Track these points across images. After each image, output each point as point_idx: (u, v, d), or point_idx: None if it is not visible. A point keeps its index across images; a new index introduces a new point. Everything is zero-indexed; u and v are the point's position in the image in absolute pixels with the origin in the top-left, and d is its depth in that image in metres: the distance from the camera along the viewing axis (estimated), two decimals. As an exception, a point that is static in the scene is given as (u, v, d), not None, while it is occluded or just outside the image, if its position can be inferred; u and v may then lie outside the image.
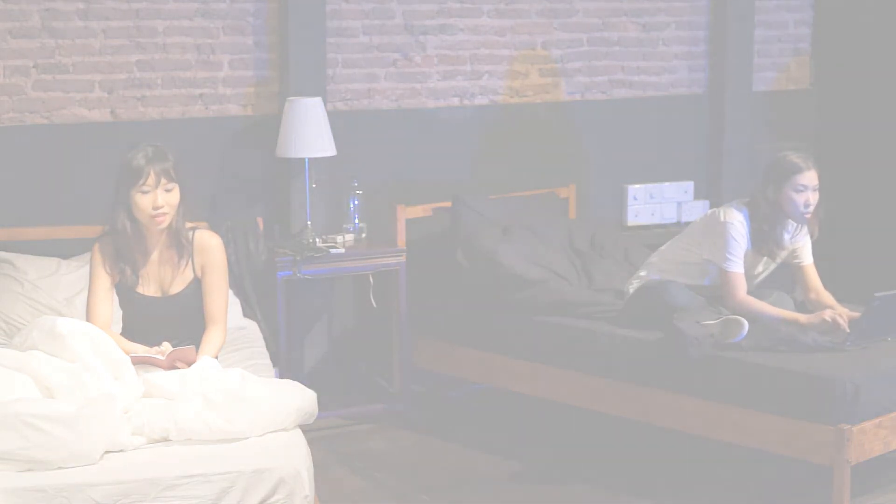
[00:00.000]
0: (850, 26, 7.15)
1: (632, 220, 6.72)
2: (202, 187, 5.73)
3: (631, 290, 5.36)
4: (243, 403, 3.94)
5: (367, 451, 5.47)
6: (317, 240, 5.75)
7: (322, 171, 5.90)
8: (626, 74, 6.83)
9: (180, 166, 4.38)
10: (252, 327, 5.31)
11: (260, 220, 5.77)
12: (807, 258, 5.30)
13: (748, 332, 4.81)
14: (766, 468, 5.13)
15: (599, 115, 6.76)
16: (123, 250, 4.38)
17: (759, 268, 5.28)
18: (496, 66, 6.49)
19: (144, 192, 4.30)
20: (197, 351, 4.33)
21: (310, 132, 5.69)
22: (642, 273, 5.41)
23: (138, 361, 4.18)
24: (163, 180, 4.30)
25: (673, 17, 6.92)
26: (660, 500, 4.90)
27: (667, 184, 6.80)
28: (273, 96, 5.97)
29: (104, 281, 4.40)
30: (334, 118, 5.91)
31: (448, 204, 6.10)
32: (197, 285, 4.44)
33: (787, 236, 5.22)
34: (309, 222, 5.80)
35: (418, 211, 6.08)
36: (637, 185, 6.73)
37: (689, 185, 6.86)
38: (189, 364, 4.22)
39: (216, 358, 4.37)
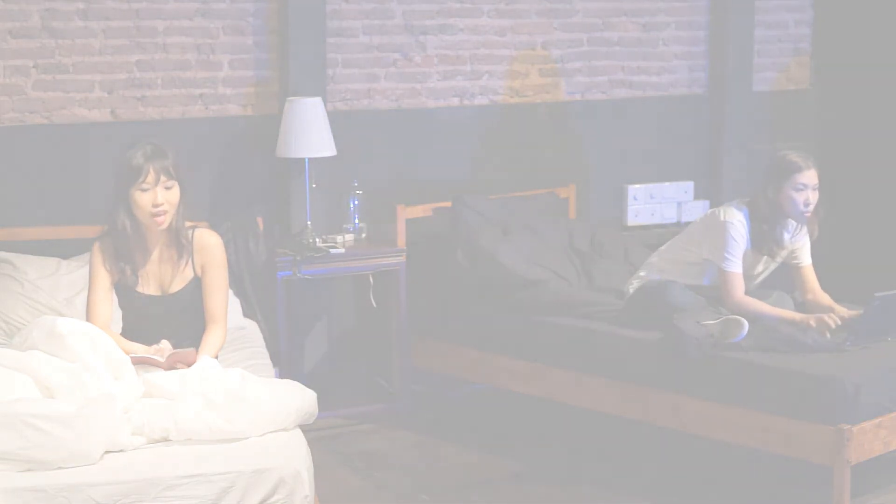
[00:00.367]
0: (850, 26, 7.15)
1: (632, 220, 6.72)
2: (202, 187, 5.74)
3: (631, 290, 5.36)
4: (243, 403, 3.94)
5: (367, 451, 5.47)
6: (317, 240, 5.75)
7: (322, 171, 5.90)
8: (626, 74, 6.84)
9: (179, 164, 4.37)
10: (252, 327, 5.31)
11: (260, 220, 5.77)
12: (805, 259, 5.31)
13: (748, 332, 4.81)
14: (766, 468, 5.13)
15: (599, 115, 6.76)
16: (123, 250, 4.38)
17: (759, 267, 5.29)
18: (496, 66, 6.50)
19: (144, 190, 4.29)
20: (197, 350, 4.33)
21: (310, 132, 5.69)
22: (642, 273, 5.41)
23: (138, 362, 4.18)
24: (162, 178, 4.30)
25: (673, 17, 6.92)
26: (660, 500, 4.90)
27: (667, 184, 6.80)
28: (273, 96, 5.97)
29: (104, 281, 4.40)
30: (334, 118, 5.91)
31: (448, 204, 6.10)
32: (197, 284, 4.44)
33: (787, 236, 5.22)
34: (309, 222, 5.80)
35: (418, 211, 6.08)
36: (637, 185, 6.73)
37: (689, 185, 6.86)
38: (189, 365, 4.22)
39: (216, 357, 4.37)
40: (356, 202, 5.95)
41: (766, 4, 7.12)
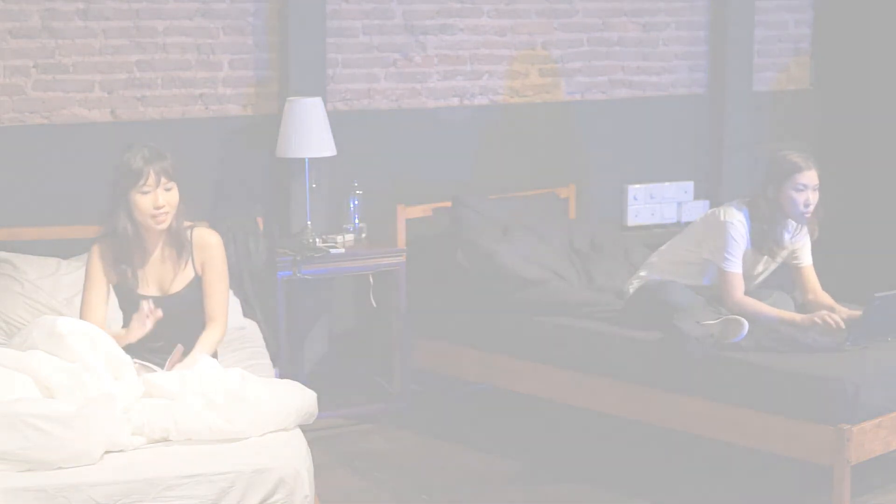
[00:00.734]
0: (850, 26, 7.15)
1: (632, 220, 6.72)
2: (202, 187, 5.74)
3: (631, 290, 5.36)
4: (243, 403, 3.94)
5: (367, 451, 5.47)
6: (317, 240, 5.75)
7: (322, 171, 5.90)
8: (626, 74, 6.83)
9: (177, 164, 4.37)
10: (252, 327, 5.31)
11: (260, 220, 5.77)
12: (806, 259, 5.31)
13: (748, 332, 4.81)
14: (766, 468, 5.13)
15: (599, 115, 6.76)
16: (123, 252, 4.38)
17: (760, 267, 5.28)
18: (496, 66, 6.50)
19: (145, 193, 4.29)
20: (193, 349, 4.34)
21: (310, 132, 5.69)
22: (642, 273, 5.41)
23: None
24: (162, 180, 4.30)
25: (673, 17, 6.92)
26: (660, 500, 4.90)
27: (667, 184, 6.80)
28: (273, 96, 5.97)
29: (101, 284, 4.39)
30: (334, 118, 5.91)
31: (448, 204, 6.09)
32: (197, 283, 4.44)
33: (787, 235, 5.22)
34: (309, 222, 5.80)
35: (418, 211, 6.08)
36: (637, 185, 6.73)
37: (689, 185, 6.86)
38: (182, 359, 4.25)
39: (215, 355, 4.37)
40: (356, 202, 5.95)
41: (766, 4, 7.12)
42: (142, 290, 4.41)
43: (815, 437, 4.54)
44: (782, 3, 7.21)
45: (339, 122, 5.95)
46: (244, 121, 5.96)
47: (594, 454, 5.37)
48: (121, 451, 3.81)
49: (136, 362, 4.21)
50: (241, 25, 5.90)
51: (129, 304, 4.43)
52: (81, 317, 4.38)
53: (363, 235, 5.95)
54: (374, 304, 5.92)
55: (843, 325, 4.92)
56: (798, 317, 5.03)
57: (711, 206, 6.46)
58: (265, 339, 5.23)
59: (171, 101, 5.80)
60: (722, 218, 5.17)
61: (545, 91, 6.64)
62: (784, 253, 5.27)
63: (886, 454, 4.74)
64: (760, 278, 5.32)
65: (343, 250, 5.77)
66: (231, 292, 5.04)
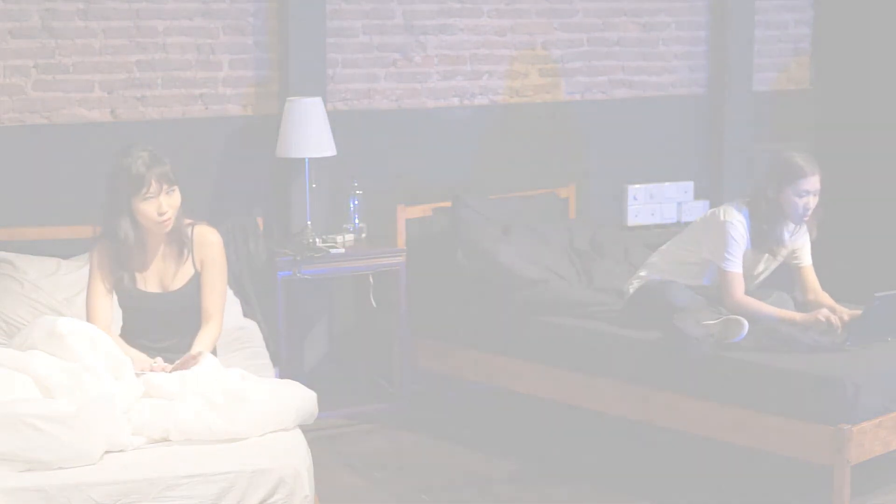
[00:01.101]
0: (850, 26, 7.15)
1: (632, 220, 6.72)
2: (202, 187, 5.74)
3: (631, 290, 5.36)
4: (243, 403, 3.94)
5: (367, 451, 5.47)
6: (317, 240, 5.75)
7: (322, 171, 5.90)
8: (626, 74, 6.83)
9: (176, 167, 4.37)
10: (252, 327, 5.30)
11: (260, 220, 5.77)
12: (806, 259, 5.30)
13: (748, 332, 4.81)
14: (766, 468, 5.13)
15: (599, 115, 6.76)
16: (124, 255, 4.38)
17: (760, 267, 5.28)
18: (496, 66, 6.50)
19: (148, 199, 4.28)
20: (192, 348, 4.34)
21: (310, 132, 5.69)
22: (642, 273, 5.41)
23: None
24: (165, 185, 4.29)
25: (673, 17, 6.92)
26: (660, 500, 4.90)
27: (667, 184, 6.80)
28: (273, 96, 5.97)
29: (104, 284, 4.40)
30: (334, 118, 5.91)
31: (448, 204, 6.10)
32: (197, 280, 4.44)
33: (787, 235, 5.22)
34: (309, 222, 5.80)
35: (418, 211, 6.08)
36: (637, 185, 6.73)
37: (689, 185, 6.86)
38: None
39: (215, 354, 4.37)
40: (356, 202, 5.95)
41: (766, 4, 7.12)
42: (142, 287, 4.41)
43: (815, 437, 4.54)
44: (782, 3, 7.21)
45: (339, 122, 5.95)
46: (244, 121, 5.96)
47: (594, 454, 5.37)
48: (121, 451, 3.81)
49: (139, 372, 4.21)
50: (241, 25, 5.90)
51: (129, 300, 4.43)
52: (87, 317, 4.38)
53: (363, 235, 5.95)
54: (374, 304, 5.91)
55: (839, 324, 4.92)
56: (798, 316, 5.03)
57: (711, 206, 6.46)
58: (265, 339, 5.23)
59: (171, 101, 5.80)
60: (722, 218, 5.17)
61: (545, 91, 6.64)
62: (784, 252, 5.27)
63: (886, 454, 4.73)
64: (760, 278, 5.32)
65: (343, 250, 5.77)
66: (231, 292, 5.04)
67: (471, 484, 5.08)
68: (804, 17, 7.28)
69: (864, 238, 6.90)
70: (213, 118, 5.89)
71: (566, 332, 5.34)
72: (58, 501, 3.59)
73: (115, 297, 4.47)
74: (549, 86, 6.65)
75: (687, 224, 6.12)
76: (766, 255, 5.24)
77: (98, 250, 4.41)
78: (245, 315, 5.43)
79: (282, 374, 5.17)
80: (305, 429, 4.11)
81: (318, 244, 5.72)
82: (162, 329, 4.40)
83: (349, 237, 5.86)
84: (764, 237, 5.17)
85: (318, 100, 5.75)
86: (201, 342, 4.37)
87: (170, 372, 4.18)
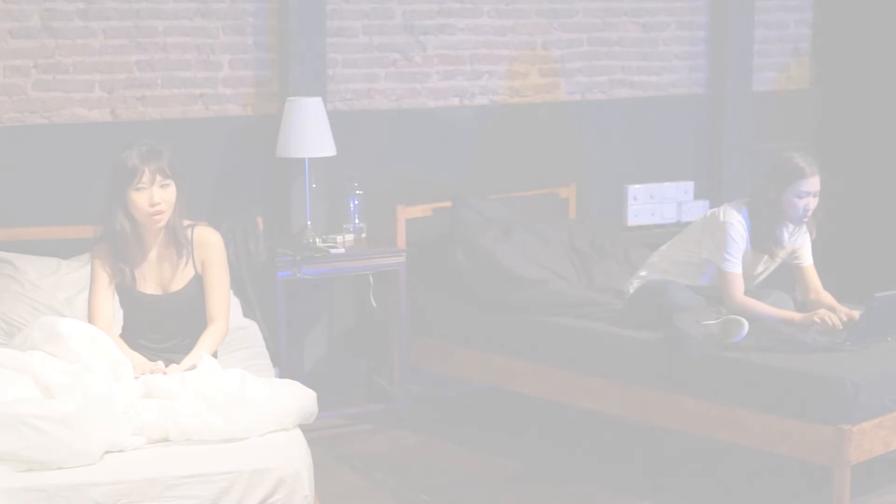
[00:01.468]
0: (850, 26, 7.15)
1: (632, 220, 6.72)
2: (202, 187, 5.74)
3: (631, 291, 5.36)
4: (243, 403, 3.94)
5: (367, 451, 5.47)
6: (317, 240, 5.75)
7: (322, 171, 5.90)
8: (626, 74, 6.83)
9: (176, 164, 4.37)
10: (252, 327, 5.31)
11: (260, 220, 5.77)
12: (806, 259, 5.30)
13: (748, 332, 4.81)
14: (766, 468, 5.13)
15: (599, 115, 6.76)
16: (122, 250, 4.38)
17: (760, 267, 5.28)
18: (496, 66, 6.50)
19: (140, 190, 4.29)
20: (195, 349, 4.34)
21: (310, 132, 5.69)
22: (642, 273, 5.41)
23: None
24: (158, 177, 4.30)
25: (673, 17, 6.92)
26: (660, 500, 4.90)
27: (667, 184, 6.80)
28: (273, 96, 5.97)
29: (105, 283, 4.40)
30: (334, 118, 5.91)
31: (448, 204, 6.10)
32: (198, 282, 4.44)
33: (786, 235, 5.22)
34: (309, 222, 5.80)
35: (418, 211, 6.08)
36: (637, 185, 6.73)
37: (689, 185, 6.86)
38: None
39: (215, 355, 4.37)
40: (356, 202, 5.95)
41: (766, 4, 7.12)
42: (141, 289, 4.41)
43: (815, 437, 4.54)
44: (782, 3, 7.21)
45: (339, 122, 5.95)
46: (244, 121, 5.96)
47: (594, 454, 5.37)
48: (121, 451, 3.81)
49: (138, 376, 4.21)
50: (241, 25, 5.90)
51: (129, 302, 4.44)
52: (89, 317, 4.38)
53: (363, 235, 5.95)
54: (374, 304, 5.91)
55: (840, 325, 4.92)
56: (798, 316, 5.03)
57: (711, 206, 6.45)
58: (265, 339, 5.23)
59: (171, 101, 5.80)
60: (721, 218, 5.17)
61: (545, 91, 6.64)
62: (784, 253, 5.27)
63: (886, 454, 4.74)
64: (760, 278, 5.32)
65: (343, 250, 5.77)
66: (231, 292, 5.04)
67: (471, 484, 5.08)
68: (804, 17, 7.29)
69: (864, 238, 6.90)
70: (213, 118, 5.89)
71: (566, 332, 5.34)
72: (58, 501, 3.59)
73: (117, 298, 4.47)
74: (549, 86, 6.65)
75: (687, 224, 6.12)
76: (766, 255, 5.24)
77: (98, 250, 4.41)
78: (245, 315, 5.43)
79: (282, 374, 5.18)
80: (305, 429, 4.11)
81: (318, 244, 5.72)
82: (162, 330, 4.40)
83: (349, 237, 5.86)
84: (763, 238, 5.17)
85: (318, 100, 5.75)
86: (205, 343, 4.36)
87: (167, 375, 4.19)
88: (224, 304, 4.46)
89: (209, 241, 4.45)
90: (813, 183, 5.07)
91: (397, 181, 6.22)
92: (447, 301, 5.83)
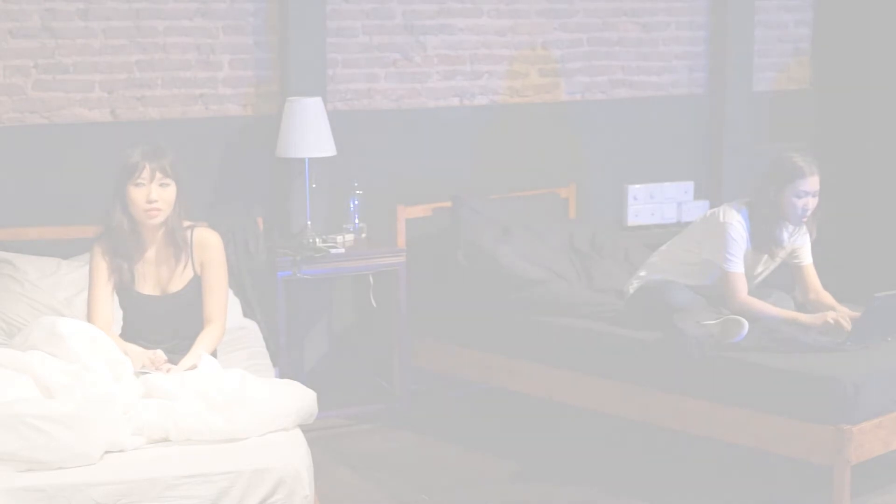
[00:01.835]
0: (850, 26, 7.15)
1: (632, 220, 6.72)
2: (202, 187, 5.74)
3: (631, 291, 5.36)
4: (243, 403, 3.94)
5: (367, 451, 5.47)
6: (317, 240, 5.75)
7: (322, 171, 5.90)
8: (626, 74, 6.83)
9: (178, 165, 4.38)
10: (252, 327, 5.31)
11: (260, 220, 5.77)
12: (806, 258, 5.30)
13: (748, 332, 4.81)
14: (766, 468, 5.13)
15: (599, 115, 6.76)
16: (120, 248, 4.39)
17: (760, 267, 5.28)
18: (496, 66, 6.50)
19: (138, 186, 4.31)
20: (192, 350, 4.34)
21: (310, 132, 5.69)
22: (642, 273, 5.41)
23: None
24: (158, 175, 4.31)
25: (673, 17, 6.92)
26: (660, 500, 4.90)
27: (667, 184, 6.80)
28: (273, 96, 5.97)
29: (104, 282, 4.40)
30: (334, 118, 5.91)
31: (448, 204, 6.10)
32: (197, 283, 4.44)
33: (786, 235, 5.22)
34: (309, 222, 5.80)
35: (418, 211, 6.08)
36: (637, 185, 6.73)
37: (689, 185, 6.86)
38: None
39: (214, 355, 4.37)
40: (356, 202, 5.95)
41: (766, 4, 7.12)
42: (140, 289, 4.41)
43: (815, 437, 4.54)
44: (782, 3, 7.21)
45: (339, 122, 5.95)
46: (244, 121, 5.96)
47: (594, 454, 5.37)
48: (121, 451, 3.81)
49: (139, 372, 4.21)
50: (241, 25, 5.90)
51: (128, 302, 4.44)
52: (88, 316, 4.39)
53: (363, 235, 5.95)
54: (374, 304, 5.91)
55: (849, 326, 4.91)
56: (802, 316, 5.03)
57: (711, 206, 6.45)
58: (265, 339, 5.23)
59: (171, 101, 5.80)
60: (721, 218, 5.17)
61: (545, 91, 6.64)
62: (783, 253, 5.27)
63: (886, 454, 4.74)
64: (760, 278, 5.32)
65: (343, 250, 5.77)
66: (231, 292, 5.04)
67: (471, 484, 5.08)
68: (804, 17, 7.28)
69: (864, 238, 6.90)
70: (213, 118, 5.89)
71: (566, 332, 5.34)
72: (58, 501, 3.59)
73: (116, 298, 4.47)
74: (549, 86, 6.65)
75: (687, 224, 6.12)
76: (766, 255, 5.24)
77: (98, 247, 4.41)
78: (245, 315, 5.44)
79: (282, 374, 5.18)
80: (305, 429, 4.11)
81: (318, 244, 5.72)
82: (161, 331, 4.40)
83: (349, 237, 5.86)
84: (763, 238, 5.17)
85: (318, 100, 5.75)
86: (203, 344, 4.37)
87: (167, 372, 4.19)
88: (222, 305, 4.46)
89: (209, 243, 4.46)
90: (812, 183, 5.07)
91: (397, 181, 6.22)
92: (447, 301, 5.83)
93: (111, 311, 4.42)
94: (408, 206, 5.99)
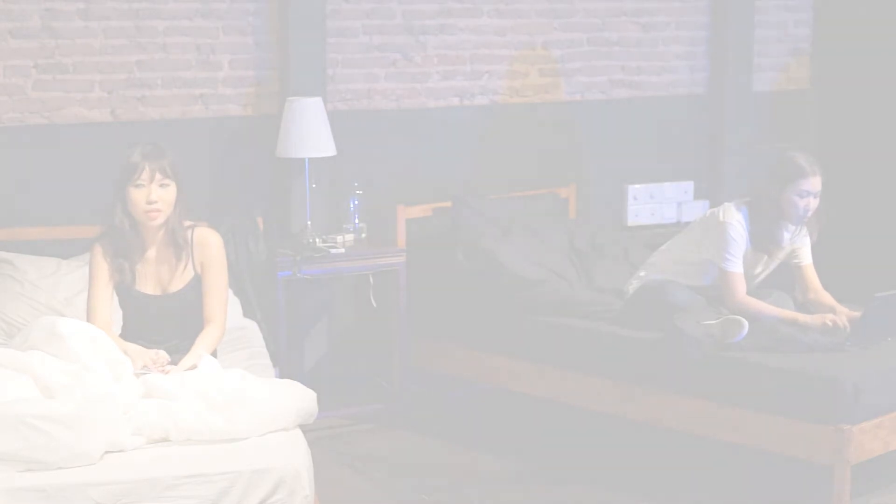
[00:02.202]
0: (850, 26, 7.15)
1: (632, 220, 6.72)
2: (202, 187, 5.74)
3: (631, 291, 5.36)
4: (243, 404, 3.94)
5: (367, 451, 5.47)
6: (317, 240, 5.75)
7: (322, 171, 5.90)
8: (626, 74, 6.83)
9: (179, 166, 4.39)
10: (252, 327, 5.31)
11: (260, 220, 5.77)
12: (806, 258, 5.30)
13: (748, 331, 4.81)
14: (766, 468, 5.13)
15: (599, 115, 6.76)
16: (121, 247, 4.39)
17: (759, 267, 5.28)
18: (496, 66, 6.49)
19: (138, 186, 4.31)
20: (192, 350, 4.34)
21: (310, 132, 5.69)
22: (642, 273, 5.41)
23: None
24: (157, 175, 4.31)
25: (673, 17, 6.92)
26: (660, 501, 4.90)
27: (667, 184, 6.80)
28: (273, 96, 5.97)
29: (104, 282, 4.41)
30: (334, 118, 5.91)
31: (448, 204, 6.10)
32: (198, 282, 4.44)
33: (786, 235, 5.22)
34: (309, 222, 5.80)
35: (418, 211, 6.08)
36: (637, 185, 6.73)
37: (689, 185, 6.86)
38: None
39: (215, 355, 4.37)
40: (356, 202, 5.95)
41: (766, 4, 7.12)
42: (141, 289, 4.42)
43: (815, 437, 4.54)
44: (782, 3, 7.21)
45: (339, 122, 5.95)
46: (244, 121, 5.96)
47: (594, 454, 5.37)
48: (121, 451, 3.81)
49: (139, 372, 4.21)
50: (241, 25, 5.90)
51: (128, 301, 4.44)
52: (87, 316, 4.39)
53: (363, 235, 5.95)
54: (374, 304, 5.91)
55: (848, 326, 4.91)
56: (801, 317, 5.03)
57: (711, 206, 6.45)
58: (265, 339, 5.23)
59: (171, 101, 5.80)
60: (721, 218, 5.17)
61: (545, 91, 6.64)
62: (783, 253, 5.27)
63: (886, 454, 4.74)
64: (760, 278, 5.32)
65: (343, 250, 5.77)
66: (231, 292, 5.05)
67: (471, 484, 5.08)
68: (804, 17, 7.28)
69: (864, 238, 6.90)
70: (213, 118, 5.89)
71: (566, 332, 5.34)
72: (58, 501, 3.59)
73: (116, 298, 4.47)
74: (549, 86, 6.65)
75: (687, 224, 6.12)
76: (766, 255, 5.24)
77: (98, 247, 4.42)
78: (245, 315, 5.44)
79: (282, 374, 5.18)
80: (305, 429, 4.11)
81: (318, 244, 5.72)
82: (161, 331, 4.41)
83: (349, 237, 5.86)
84: (763, 237, 5.17)
85: (318, 100, 5.75)
86: (202, 344, 4.37)
87: (167, 373, 4.19)
88: (222, 305, 4.46)
89: (209, 243, 4.46)
90: (814, 183, 5.07)
91: (397, 181, 6.22)
92: (447, 301, 5.83)
93: (110, 311, 4.43)
94: (408, 206, 5.99)
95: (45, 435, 3.67)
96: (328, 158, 5.83)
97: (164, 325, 4.41)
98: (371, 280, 5.89)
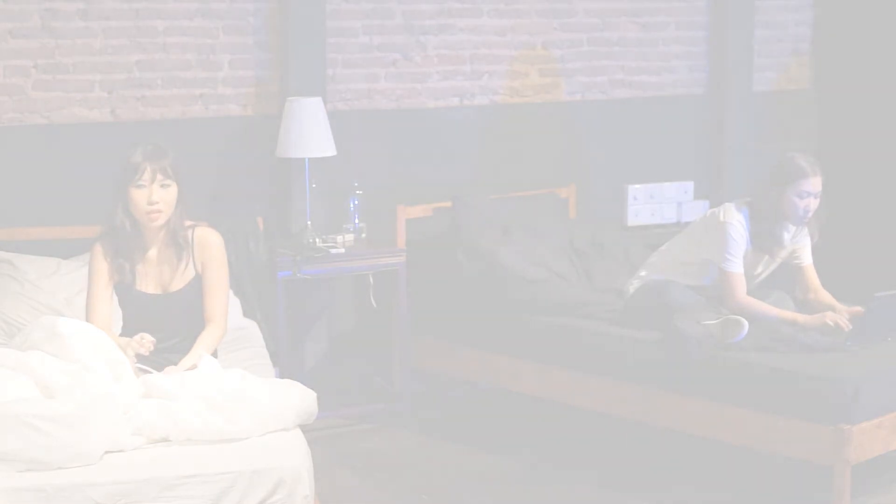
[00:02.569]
0: (850, 26, 7.15)
1: (632, 220, 6.71)
2: (202, 187, 5.73)
3: (631, 290, 5.36)
4: (243, 404, 3.94)
5: (367, 451, 5.47)
6: (317, 240, 5.74)
7: (322, 171, 5.90)
8: (626, 74, 6.83)
9: (179, 166, 4.39)
10: (252, 327, 5.31)
11: (260, 220, 5.77)
12: (806, 258, 5.30)
13: (748, 332, 4.81)
14: (766, 468, 5.13)
15: (599, 115, 6.76)
16: (122, 248, 4.39)
17: (760, 268, 5.28)
18: (496, 66, 6.50)
19: (140, 187, 4.31)
20: (193, 349, 4.34)
21: (310, 132, 5.69)
22: (642, 273, 5.41)
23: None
24: (159, 176, 4.31)
25: (673, 17, 6.92)
26: (660, 500, 4.90)
27: (667, 184, 6.79)
28: (273, 96, 5.97)
29: (103, 282, 4.41)
30: (334, 118, 5.91)
31: (448, 204, 6.09)
32: (198, 282, 4.44)
33: (787, 236, 5.22)
34: (309, 222, 5.80)
35: (418, 211, 6.08)
36: (637, 185, 6.72)
37: (689, 185, 6.85)
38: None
39: (215, 355, 4.37)
40: (356, 202, 5.95)
41: (766, 4, 7.12)
42: (141, 288, 4.42)
43: (815, 437, 4.54)
44: (782, 3, 7.21)
45: (339, 122, 5.95)
46: (244, 121, 5.96)
47: (594, 454, 5.37)
48: (121, 451, 3.81)
49: (139, 367, 4.21)
50: (241, 25, 5.90)
51: (128, 301, 4.44)
52: (86, 315, 4.39)
53: (363, 235, 5.95)
54: (374, 304, 5.91)
55: (848, 327, 4.91)
56: (801, 317, 5.03)
57: (711, 206, 6.44)
58: (265, 339, 5.24)
59: (171, 101, 5.80)
60: (721, 218, 5.17)
61: (545, 91, 6.64)
62: (784, 253, 5.27)
63: (886, 454, 4.74)
64: (760, 278, 5.32)
65: (343, 250, 5.77)
66: (231, 292, 5.04)
67: (471, 484, 5.08)
68: (804, 17, 7.29)
69: (864, 238, 6.90)
70: (213, 118, 5.89)
71: (566, 332, 5.34)
72: (58, 501, 3.60)
73: (115, 297, 4.47)
74: (549, 86, 6.65)
75: (687, 224, 6.12)
76: (766, 256, 5.24)
77: (98, 248, 4.42)
78: (245, 315, 5.44)
79: (282, 374, 5.18)
80: (305, 429, 4.11)
81: (318, 244, 5.72)
82: (162, 330, 4.40)
83: (349, 237, 5.86)
84: (764, 238, 5.17)
85: (318, 100, 5.75)
86: (203, 344, 4.37)
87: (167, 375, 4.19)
88: (223, 305, 4.46)
89: (210, 242, 4.46)
90: (814, 183, 5.07)
91: (397, 181, 6.22)
92: (447, 301, 5.83)
93: (110, 311, 4.42)
94: (408, 206, 5.99)
95: (45, 435, 3.67)
96: (328, 158, 5.83)
97: (164, 325, 4.41)
98: (371, 280, 5.89)
